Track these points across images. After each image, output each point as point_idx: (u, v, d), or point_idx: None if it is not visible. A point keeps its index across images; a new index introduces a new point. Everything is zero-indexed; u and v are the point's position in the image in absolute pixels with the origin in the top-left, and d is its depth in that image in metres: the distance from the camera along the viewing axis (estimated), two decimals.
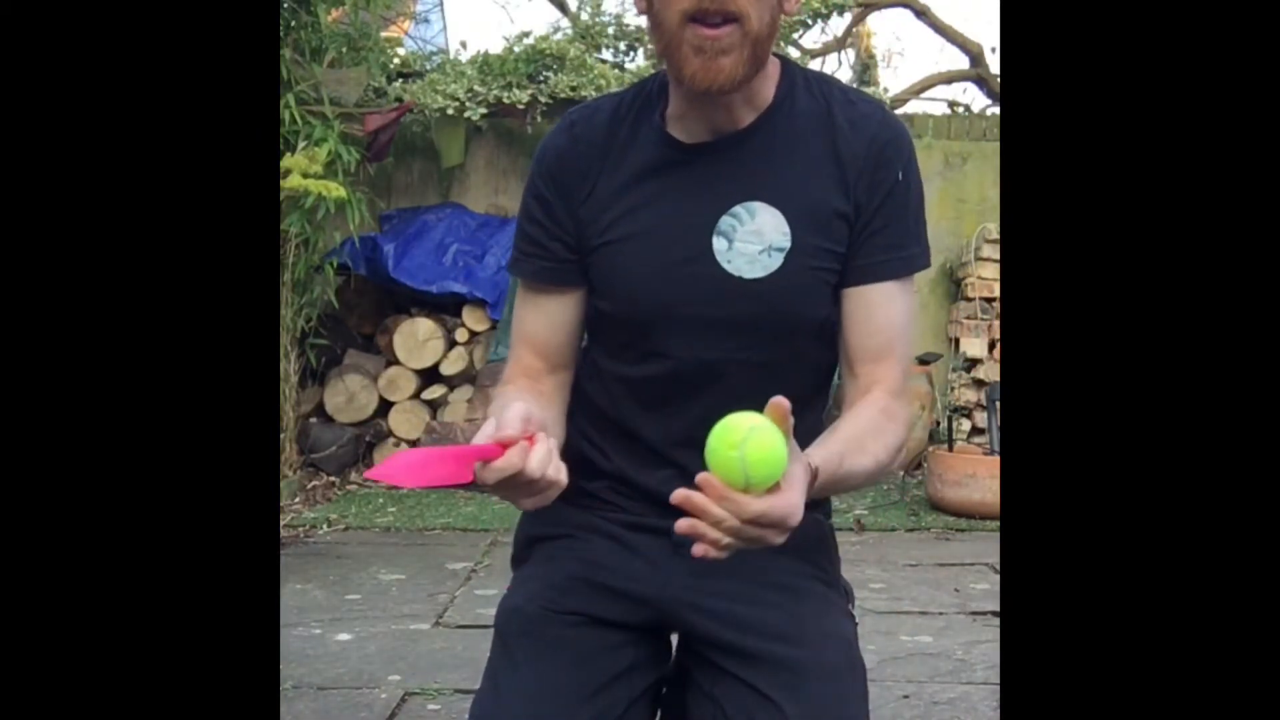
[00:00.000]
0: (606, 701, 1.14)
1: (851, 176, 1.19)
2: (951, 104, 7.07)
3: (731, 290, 1.17)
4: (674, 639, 1.27)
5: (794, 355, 1.22)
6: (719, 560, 1.20)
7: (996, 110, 6.40)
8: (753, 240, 1.17)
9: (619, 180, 1.21)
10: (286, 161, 4.24)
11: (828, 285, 1.20)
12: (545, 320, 1.26)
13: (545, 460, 1.03)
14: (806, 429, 1.26)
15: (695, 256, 1.18)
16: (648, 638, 1.22)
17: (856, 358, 1.21)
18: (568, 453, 1.24)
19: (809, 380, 1.26)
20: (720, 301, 1.18)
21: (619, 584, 1.21)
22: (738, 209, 1.18)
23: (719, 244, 1.18)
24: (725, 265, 1.17)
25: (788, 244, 1.17)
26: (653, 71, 5.81)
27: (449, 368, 5.24)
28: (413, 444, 5.15)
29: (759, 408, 1.18)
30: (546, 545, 1.28)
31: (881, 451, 1.15)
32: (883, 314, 1.20)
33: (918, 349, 4.98)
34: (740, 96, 1.16)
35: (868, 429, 1.15)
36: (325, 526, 4.31)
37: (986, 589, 3.43)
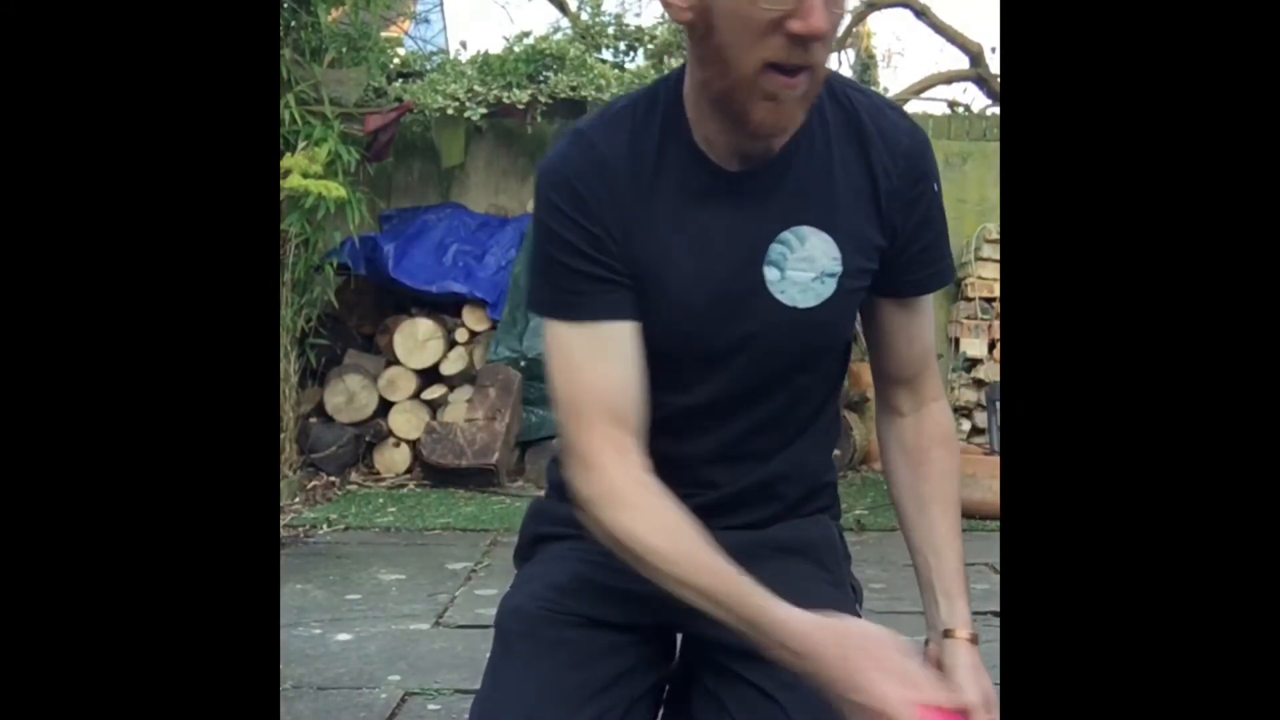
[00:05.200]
0: (607, 702, 1.13)
1: (885, 190, 1.15)
2: (951, 104, 7.08)
3: (788, 322, 1.14)
4: (678, 638, 1.27)
5: (824, 375, 1.23)
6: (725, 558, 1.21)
7: (996, 110, 6.40)
8: (804, 267, 1.13)
9: (657, 208, 1.12)
10: (286, 161, 4.24)
11: (858, 304, 1.20)
12: (623, 368, 1.09)
13: None
14: (823, 429, 1.27)
15: (750, 290, 1.12)
16: (651, 638, 1.22)
17: (912, 371, 1.25)
18: None
19: (830, 396, 1.27)
20: (777, 334, 1.14)
21: (624, 585, 1.20)
22: (786, 235, 1.13)
23: (771, 274, 1.13)
24: (779, 296, 1.13)
25: (839, 269, 1.14)
26: (650, 66, 5.74)
27: (449, 368, 5.25)
28: (413, 444, 5.16)
29: (792, 427, 1.23)
30: (552, 545, 1.27)
31: (957, 484, 1.24)
32: (922, 322, 1.24)
33: None
34: None
35: (949, 483, 1.24)
36: (325, 526, 4.31)
37: (986, 589, 3.43)
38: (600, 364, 1.10)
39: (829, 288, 1.14)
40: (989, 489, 4.34)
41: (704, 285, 1.12)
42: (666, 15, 1.10)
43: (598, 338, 1.10)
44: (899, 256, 1.17)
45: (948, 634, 1.16)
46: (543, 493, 1.37)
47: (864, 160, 1.15)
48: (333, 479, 5.09)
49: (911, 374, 1.25)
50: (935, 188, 1.19)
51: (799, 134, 1.13)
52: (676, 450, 1.18)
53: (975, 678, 1.13)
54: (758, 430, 1.20)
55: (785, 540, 1.24)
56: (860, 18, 7.42)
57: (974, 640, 1.17)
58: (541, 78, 5.40)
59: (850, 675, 0.99)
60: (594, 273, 1.10)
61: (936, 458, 1.24)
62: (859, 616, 1.24)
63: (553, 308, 1.12)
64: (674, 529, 1.06)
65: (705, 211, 1.13)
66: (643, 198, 1.11)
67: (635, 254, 1.11)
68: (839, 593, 1.25)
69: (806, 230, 1.13)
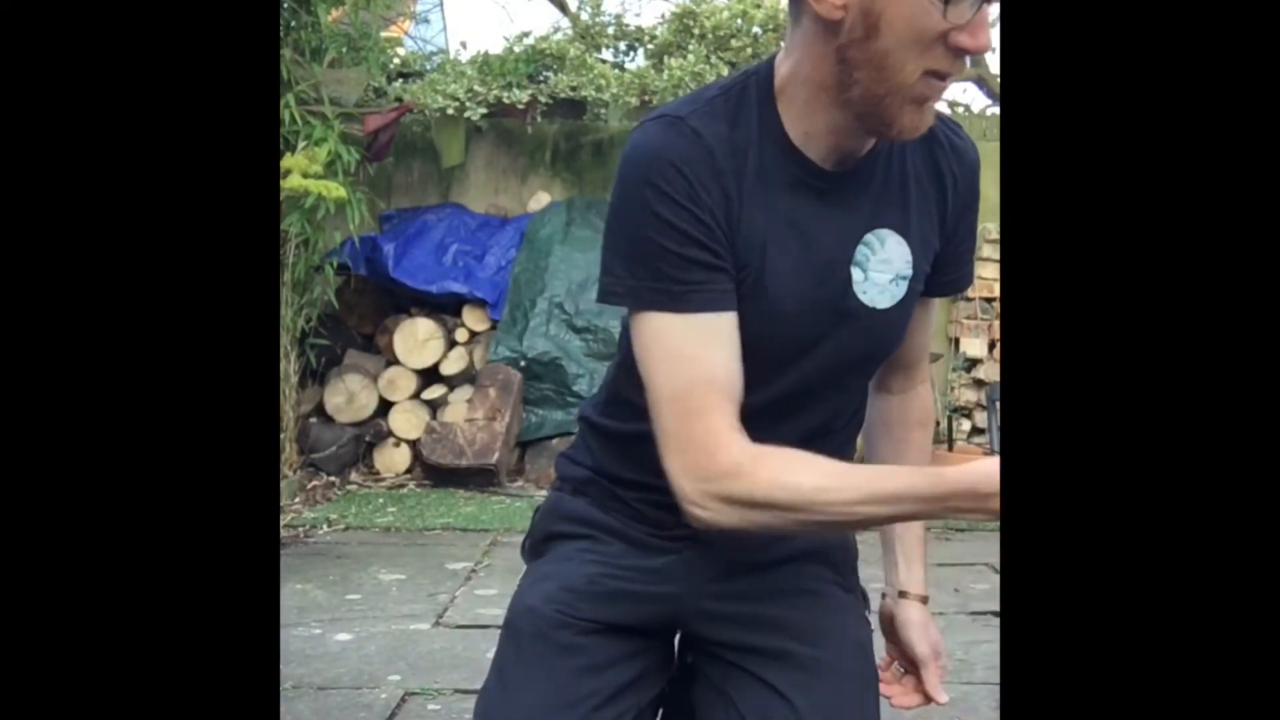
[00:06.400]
0: (615, 711, 1.13)
1: (950, 196, 1.18)
2: (951, 104, 7.07)
3: (867, 322, 1.15)
4: (676, 638, 1.27)
5: (869, 378, 1.27)
6: (741, 559, 1.21)
7: (996, 110, 6.40)
8: (883, 269, 1.14)
9: (756, 202, 1.10)
10: (286, 161, 4.24)
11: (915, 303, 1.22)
12: (734, 354, 1.08)
13: None
14: (853, 430, 1.30)
15: (839, 290, 1.13)
16: (657, 644, 1.22)
17: (912, 358, 1.32)
18: (605, 464, 1.24)
19: (865, 398, 1.30)
20: (857, 334, 1.16)
21: (637, 587, 1.20)
22: (869, 237, 1.14)
23: (856, 274, 1.14)
24: (861, 297, 1.14)
25: (910, 272, 1.16)
26: (650, 66, 5.72)
27: (449, 368, 5.25)
28: (413, 444, 5.16)
29: (836, 426, 1.25)
30: (565, 544, 1.26)
31: (927, 445, 1.38)
32: (933, 314, 1.31)
33: None
34: None
35: (924, 461, 1.34)
36: (325, 526, 4.31)
37: (986, 589, 3.43)
38: (711, 353, 1.07)
39: (901, 290, 1.16)
40: None
41: (800, 282, 1.12)
42: (816, 8, 1.04)
43: (708, 329, 1.07)
44: (943, 260, 1.20)
45: (903, 594, 1.31)
46: (546, 491, 1.35)
47: (934, 166, 1.17)
48: (333, 479, 5.09)
49: (911, 360, 1.32)
50: (979, 194, 1.23)
51: (882, 140, 1.13)
52: None
53: (924, 633, 1.27)
54: (809, 431, 1.20)
55: (803, 542, 1.24)
56: None
57: (924, 601, 1.31)
58: (541, 78, 5.41)
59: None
60: (708, 261, 1.06)
61: (916, 438, 1.35)
62: (867, 622, 1.25)
63: (659, 299, 1.07)
64: (818, 464, 1.05)
65: (800, 208, 1.11)
66: (743, 191, 1.09)
67: (743, 247, 1.09)
68: (849, 596, 1.26)
69: (886, 233, 1.14)
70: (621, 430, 1.20)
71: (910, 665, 1.27)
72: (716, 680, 1.18)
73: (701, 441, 1.05)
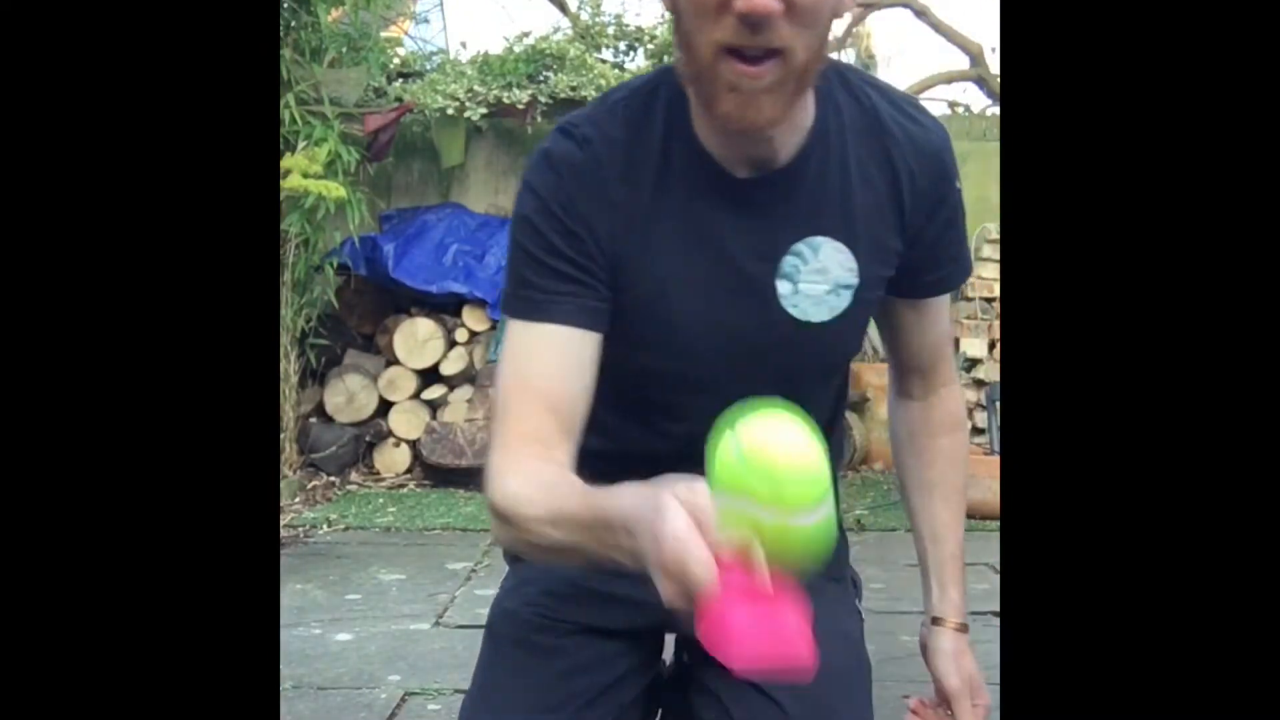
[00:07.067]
0: (597, 714, 1.13)
1: (908, 192, 1.09)
2: (951, 104, 7.08)
3: (798, 337, 1.08)
4: (669, 637, 1.27)
5: (832, 388, 1.20)
6: None
7: (996, 110, 6.41)
8: (817, 280, 1.06)
9: (660, 212, 1.04)
10: (286, 161, 4.24)
11: (872, 312, 1.15)
12: (575, 371, 1.03)
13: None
14: (833, 445, 1.24)
15: (760, 305, 1.06)
16: (642, 643, 1.21)
17: (926, 361, 1.23)
18: (581, 473, 1.20)
19: (838, 408, 1.23)
20: (788, 350, 1.09)
21: (621, 590, 1.19)
22: (799, 246, 1.06)
23: (783, 288, 1.06)
24: (791, 310, 1.07)
25: (855, 280, 1.08)
26: (650, 66, 5.73)
27: (449, 368, 5.24)
28: (413, 444, 5.16)
29: None
30: None
31: (964, 472, 1.25)
32: (935, 314, 1.21)
33: None
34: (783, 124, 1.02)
35: (955, 470, 1.24)
36: (325, 526, 4.31)
37: (986, 589, 3.42)
38: (550, 368, 1.03)
39: (844, 300, 1.08)
40: (989, 489, 4.33)
41: (712, 297, 1.06)
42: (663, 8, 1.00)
43: (548, 339, 1.03)
44: (920, 259, 1.13)
45: (936, 621, 1.21)
46: None
47: (886, 161, 1.09)
48: (333, 479, 5.08)
49: (925, 363, 1.24)
50: (958, 186, 1.14)
51: (814, 137, 1.06)
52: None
53: (956, 664, 1.18)
54: None
55: None
56: (859, 18, 7.42)
57: (961, 629, 1.20)
58: (541, 78, 5.40)
59: (649, 538, 0.81)
60: (567, 272, 1.03)
61: (943, 445, 1.24)
62: (858, 613, 1.24)
63: (518, 305, 1.05)
64: (548, 478, 0.98)
65: (713, 219, 1.05)
66: (641, 200, 1.04)
67: (629, 262, 1.04)
68: (838, 587, 1.25)
69: (820, 240, 1.07)
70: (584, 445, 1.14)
71: (944, 699, 1.19)
72: (709, 682, 1.18)
73: (496, 444, 1.03)
